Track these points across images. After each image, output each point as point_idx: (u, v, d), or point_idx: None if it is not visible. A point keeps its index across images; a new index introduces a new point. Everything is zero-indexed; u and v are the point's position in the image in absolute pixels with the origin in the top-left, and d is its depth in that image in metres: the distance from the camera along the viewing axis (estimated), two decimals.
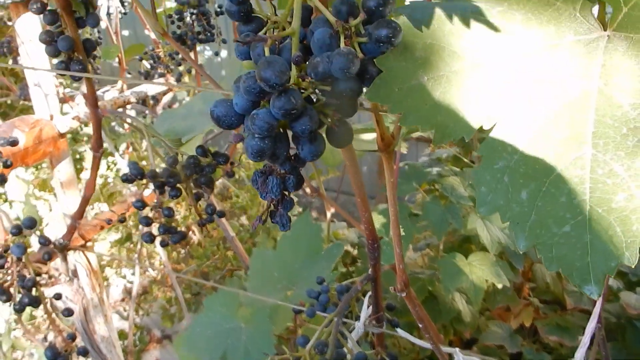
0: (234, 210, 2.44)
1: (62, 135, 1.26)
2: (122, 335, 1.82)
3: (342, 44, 0.29)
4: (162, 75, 1.53)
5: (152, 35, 1.61)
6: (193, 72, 1.54)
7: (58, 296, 0.66)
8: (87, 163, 2.39)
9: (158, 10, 1.66)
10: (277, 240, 2.10)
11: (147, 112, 1.59)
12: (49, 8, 0.56)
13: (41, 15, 0.57)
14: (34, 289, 0.64)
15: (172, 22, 1.42)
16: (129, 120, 0.68)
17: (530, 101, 0.29)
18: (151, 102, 1.57)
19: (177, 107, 0.74)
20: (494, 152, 0.29)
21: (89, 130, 2.40)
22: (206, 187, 0.67)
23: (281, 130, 0.31)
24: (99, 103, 1.37)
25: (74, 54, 0.59)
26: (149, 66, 1.59)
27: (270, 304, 0.85)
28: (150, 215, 0.67)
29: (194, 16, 1.41)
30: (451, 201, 0.91)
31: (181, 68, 1.51)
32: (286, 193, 0.34)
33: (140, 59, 1.58)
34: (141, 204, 0.64)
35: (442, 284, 0.91)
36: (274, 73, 0.27)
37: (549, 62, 0.29)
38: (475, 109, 0.29)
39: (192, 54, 1.48)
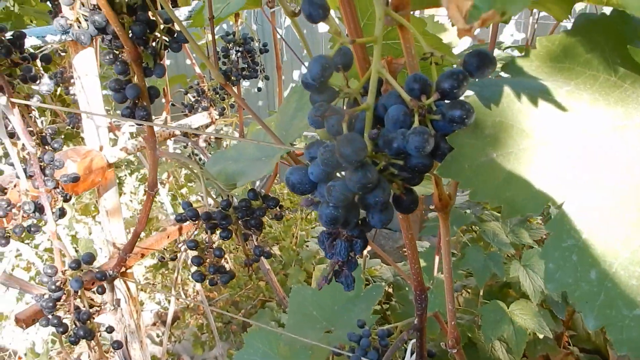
0: (266, 240, 2.47)
1: (110, 166, 1.30)
2: None
3: (416, 122, 0.30)
4: (205, 108, 1.58)
5: (197, 70, 1.66)
6: (236, 106, 1.58)
7: (110, 329, 0.68)
8: (126, 187, 2.45)
9: (200, 43, 1.72)
10: (307, 272, 2.11)
11: (188, 143, 1.63)
12: (120, 59, 0.60)
13: (107, 58, 0.60)
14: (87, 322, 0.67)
15: (219, 59, 1.47)
16: (185, 162, 0.71)
17: (598, 181, 0.30)
18: (193, 135, 1.62)
19: (228, 149, 0.77)
20: (562, 229, 0.30)
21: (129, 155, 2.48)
22: (255, 229, 0.69)
23: (353, 199, 0.32)
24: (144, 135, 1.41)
25: (140, 100, 0.62)
26: (192, 99, 1.65)
27: (309, 344, 0.85)
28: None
29: (239, 53, 1.46)
30: (492, 247, 0.91)
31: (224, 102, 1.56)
32: (352, 255, 0.35)
33: (186, 93, 1.63)
34: (194, 244, 0.66)
35: (482, 332, 0.91)
36: (353, 151, 0.28)
37: (616, 143, 0.30)
38: (543, 187, 0.30)
39: (235, 90, 1.52)
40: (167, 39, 0.60)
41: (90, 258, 0.66)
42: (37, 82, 0.70)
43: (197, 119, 1.56)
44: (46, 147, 0.70)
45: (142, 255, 1.29)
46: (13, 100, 0.64)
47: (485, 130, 0.31)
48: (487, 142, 0.31)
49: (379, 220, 0.32)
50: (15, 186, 0.72)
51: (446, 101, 0.31)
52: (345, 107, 0.35)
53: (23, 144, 0.69)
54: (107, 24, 0.56)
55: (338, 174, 0.32)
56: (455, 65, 0.31)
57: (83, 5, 0.56)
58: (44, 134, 0.70)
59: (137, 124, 0.61)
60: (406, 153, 0.30)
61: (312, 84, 0.33)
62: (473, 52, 0.30)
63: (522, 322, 0.87)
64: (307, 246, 2.03)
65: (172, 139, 1.54)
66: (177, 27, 0.61)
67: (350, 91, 0.34)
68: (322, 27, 2.93)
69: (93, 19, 0.55)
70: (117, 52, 0.60)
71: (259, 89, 1.57)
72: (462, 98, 0.31)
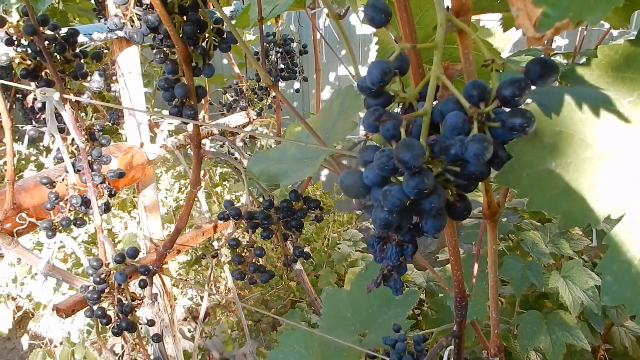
0: (298, 241, 2.48)
1: (149, 162, 1.33)
2: (185, 355, 1.86)
3: (475, 129, 0.30)
4: (243, 108, 1.60)
5: (236, 69, 1.68)
6: (273, 107, 1.59)
7: (151, 323, 0.69)
8: (162, 184, 2.50)
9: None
10: (339, 274, 2.11)
11: (225, 143, 1.65)
12: (170, 58, 0.61)
13: (158, 57, 0.61)
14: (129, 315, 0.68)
15: (258, 59, 1.49)
16: (228, 161, 0.72)
17: None
18: (230, 134, 1.64)
19: (270, 150, 0.77)
20: (622, 242, 0.29)
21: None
22: (295, 230, 0.70)
23: (407, 203, 0.32)
24: (185, 133, 1.44)
25: (187, 100, 0.64)
26: (231, 99, 1.67)
27: (343, 345, 0.86)
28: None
29: (278, 54, 1.47)
30: (530, 257, 0.89)
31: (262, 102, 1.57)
32: (402, 260, 0.35)
33: (224, 92, 1.65)
34: (236, 243, 0.67)
35: (519, 341, 0.89)
36: (412, 156, 0.28)
37: None
38: (604, 198, 0.30)
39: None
40: (216, 39, 0.61)
41: (135, 252, 0.67)
42: (87, 79, 0.72)
43: (235, 119, 1.58)
44: (94, 142, 0.72)
45: (178, 252, 1.31)
46: (65, 96, 0.66)
47: (545, 139, 0.31)
48: (546, 152, 0.31)
49: (432, 226, 0.32)
50: (63, 180, 0.74)
51: (506, 109, 0.31)
52: (400, 112, 0.35)
53: (72, 139, 0.72)
54: (160, 24, 0.57)
55: (392, 179, 0.32)
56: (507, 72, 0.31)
57: (137, 5, 0.57)
58: (92, 130, 0.72)
59: (183, 122, 0.62)
60: (463, 160, 0.30)
61: (369, 88, 0.33)
62: (535, 60, 0.29)
63: (559, 334, 0.85)
64: (339, 248, 2.03)
65: (210, 138, 1.56)
66: (225, 28, 0.62)
67: (406, 96, 0.34)
68: (360, 29, 2.93)
69: (146, 18, 0.57)
70: (167, 52, 0.61)
71: (297, 91, 1.58)
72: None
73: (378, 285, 0.36)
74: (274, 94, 1.56)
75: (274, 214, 0.66)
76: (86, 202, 0.74)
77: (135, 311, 0.68)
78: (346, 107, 0.71)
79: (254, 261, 0.68)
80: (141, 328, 0.70)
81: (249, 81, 1.65)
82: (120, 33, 1.18)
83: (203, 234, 1.57)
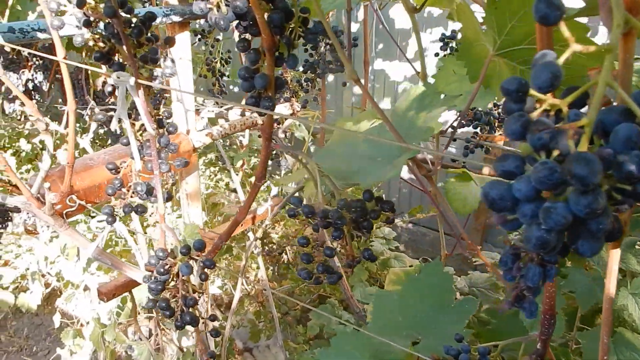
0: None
1: (194, 150, 1.31)
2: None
3: None
4: (287, 99, 1.57)
5: None
6: (319, 99, 1.56)
7: (213, 317, 0.67)
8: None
9: None
10: (370, 271, 2.08)
11: None
12: (253, 47, 0.58)
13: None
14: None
15: (306, 51, 1.46)
16: (300, 157, 0.70)
17: None
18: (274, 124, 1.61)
19: (336, 144, 0.75)
20: None
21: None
22: (365, 231, 0.67)
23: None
24: (230, 121, 1.42)
25: (265, 91, 0.61)
26: None
27: (397, 350, 0.83)
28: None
29: (327, 46, 1.44)
30: (598, 271, 0.85)
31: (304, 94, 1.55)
32: (541, 282, 0.32)
33: None
34: (305, 241, 0.65)
35: (584, 359, 0.86)
36: (590, 172, 0.25)
37: None
38: None
39: (320, 83, 1.51)
40: (301, 29, 0.58)
41: (202, 245, 0.65)
42: (157, 64, 0.70)
43: (279, 110, 1.56)
44: (162, 130, 0.70)
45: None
46: (140, 81, 0.64)
47: None
48: None
49: (590, 248, 0.29)
50: (128, 166, 0.73)
51: None
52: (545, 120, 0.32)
53: (141, 125, 0.70)
54: (248, 10, 0.55)
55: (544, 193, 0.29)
56: None
57: None
58: (160, 117, 0.70)
59: (258, 113, 0.59)
60: (637, 178, 0.27)
61: (515, 91, 0.30)
62: None
63: (627, 354, 0.82)
64: (372, 246, 2.00)
65: (252, 128, 1.54)
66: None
67: (557, 103, 0.31)
68: (399, 23, 2.88)
69: (235, 4, 0.54)
70: (249, 40, 0.59)
71: (344, 84, 1.55)
72: None
73: (512, 307, 0.33)
74: (319, 86, 1.53)
75: (347, 213, 0.64)
76: (149, 190, 0.72)
77: (197, 304, 0.66)
78: (426, 104, 0.68)
79: (323, 261, 0.65)
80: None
81: (293, 72, 1.62)
82: (176, 18, 1.16)
83: (242, 225, 1.55)
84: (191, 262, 0.68)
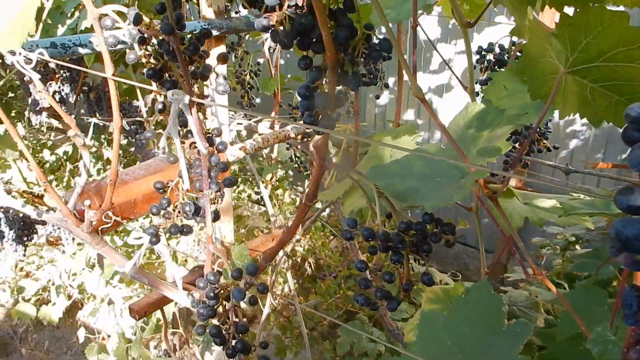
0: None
1: (228, 164, 1.29)
2: None
3: None
4: None
5: None
6: (351, 112, 1.53)
7: (265, 345, 0.65)
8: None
9: None
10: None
11: (298, 146, 1.61)
12: (315, 65, 0.56)
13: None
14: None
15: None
16: (355, 176, 0.67)
17: None
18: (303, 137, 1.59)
19: (390, 163, 0.72)
20: None
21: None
22: (425, 255, 0.64)
23: None
24: (263, 135, 1.40)
25: (325, 109, 0.59)
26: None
27: None
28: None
29: (362, 58, 1.41)
30: None
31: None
32: None
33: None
34: (364, 266, 0.62)
35: None
36: None
37: None
38: None
39: (353, 96, 1.48)
40: (365, 47, 0.56)
41: (255, 269, 0.63)
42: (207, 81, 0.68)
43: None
44: (212, 148, 0.68)
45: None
46: (193, 99, 0.62)
47: None
48: None
49: None
50: (176, 185, 0.71)
51: None
52: None
53: (191, 144, 0.68)
54: (314, 27, 0.52)
55: None
56: None
57: (290, 7, 0.53)
58: (209, 134, 0.68)
59: (316, 132, 0.57)
60: None
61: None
62: None
63: None
64: None
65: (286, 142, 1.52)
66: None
67: None
68: (423, 35, 2.85)
69: (300, 21, 0.52)
70: (311, 57, 0.57)
71: (377, 97, 1.53)
72: None
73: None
74: (352, 99, 1.51)
75: (408, 237, 0.61)
76: (197, 210, 0.70)
77: (248, 330, 0.64)
78: (488, 123, 0.65)
79: (381, 287, 0.63)
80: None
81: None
82: (214, 32, 1.14)
83: (273, 240, 1.53)
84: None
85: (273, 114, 1.73)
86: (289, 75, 2.35)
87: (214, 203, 0.69)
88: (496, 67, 1.31)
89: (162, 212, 0.72)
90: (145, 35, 0.60)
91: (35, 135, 3.01)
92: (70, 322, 2.62)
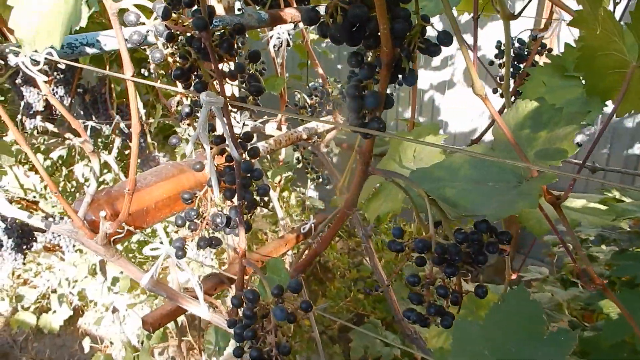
0: (356, 248, 2.37)
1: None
2: None
3: None
4: (329, 112, 1.50)
5: (320, 70, 1.58)
6: None
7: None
8: None
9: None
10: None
11: (309, 147, 1.56)
12: (366, 61, 0.51)
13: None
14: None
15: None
16: (400, 181, 0.62)
17: None
18: (316, 138, 1.54)
19: (433, 167, 0.67)
20: None
21: None
22: (481, 266, 0.59)
23: None
24: (275, 137, 1.34)
25: (374, 110, 0.54)
26: (314, 101, 1.57)
27: None
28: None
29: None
30: None
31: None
32: None
33: (310, 94, 1.56)
34: (416, 280, 0.57)
35: None
36: None
37: None
38: None
39: None
40: (420, 40, 0.51)
41: (298, 286, 0.58)
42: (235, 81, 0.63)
43: (322, 123, 1.48)
44: (244, 154, 0.63)
45: (262, 263, 1.23)
46: (230, 102, 0.57)
47: None
48: None
49: None
50: (204, 195, 0.65)
51: None
52: None
53: (223, 151, 0.63)
54: (369, 19, 0.47)
55: None
56: None
57: None
58: (240, 140, 0.63)
59: (363, 135, 0.52)
60: None
61: None
62: None
63: None
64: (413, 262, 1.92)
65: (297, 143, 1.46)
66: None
67: None
68: (428, 30, 2.80)
69: (354, 12, 0.47)
70: (362, 53, 0.52)
71: (390, 94, 1.48)
72: None
73: None
74: None
75: (464, 248, 0.56)
76: (228, 221, 0.65)
77: (291, 352, 0.59)
78: (544, 122, 0.60)
79: (434, 302, 0.58)
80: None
81: (334, 83, 1.55)
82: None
83: (286, 244, 1.48)
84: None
85: (279, 115, 1.67)
86: (286, 75, 2.29)
87: (246, 214, 0.64)
88: (515, 62, 1.27)
89: (188, 223, 0.66)
90: (175, 32, 0.54)
91: (29, 139, 2.92)
92: (72, 330, 2.55)
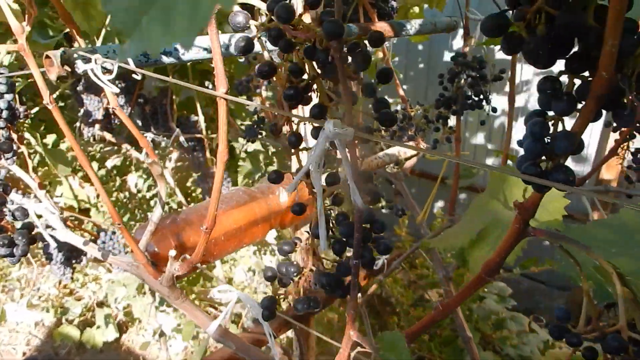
0: (417, 281, 2.20)
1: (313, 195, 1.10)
2: None
3: None
4: (411, 138, 1.35)
5: (400, 91, 1.44)
6: (453, 140, 1.33)
7: None
8: None
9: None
10: (483, 333, 1.81)
11: (386, 176, 1.42)
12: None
13: None
14: None
15: (441, 83, 1.24)
16: (572, 251, 0.47)
17: None
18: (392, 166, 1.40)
19: (592, 226, 0.52)
20: None
21: None
22: None
23: None
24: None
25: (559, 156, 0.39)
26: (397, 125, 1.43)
27: None
28: None
29: (469, 79, 1.22)
30: None
31: (439, 133, 1.32)
32: None
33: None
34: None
35: None
36: None
37: None
38: None
39: (455, 121, 1.28)
40: None
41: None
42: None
43: (404, 150, 1.33)
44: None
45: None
46: (357, 133, 0.43)
47: None
48: None
49: None
50: (310, 247, 0.52)
51: None
52: None
53: (333, 192, 0.49)
54: (588, 32, 0.33)
55: None
56: None
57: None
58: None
59: (536, 189, 0.38)
60: None
61: None
62: None
63: None
64: (484, 302, 1.74)
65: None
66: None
67: None
68: (498, 52, 2.63)
69: (567, 20, 0.32)
70: (560, 80, 0.37)
71: (483, 123, 1.33)
72: None
73: None
74: (451, 123, 1.31)
75: None
76: (337, 283, 0.51)
77: None
78: None
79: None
80: None
81: (417, 105, 1.41)
82: None
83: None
84: None
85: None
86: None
87: (359, 275, 0.50)
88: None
89: (285, 279, 0.53)
90: (294, 40, 0.41)
91: (85, 147, 2.89)
92: (115, 347, 2.47)
